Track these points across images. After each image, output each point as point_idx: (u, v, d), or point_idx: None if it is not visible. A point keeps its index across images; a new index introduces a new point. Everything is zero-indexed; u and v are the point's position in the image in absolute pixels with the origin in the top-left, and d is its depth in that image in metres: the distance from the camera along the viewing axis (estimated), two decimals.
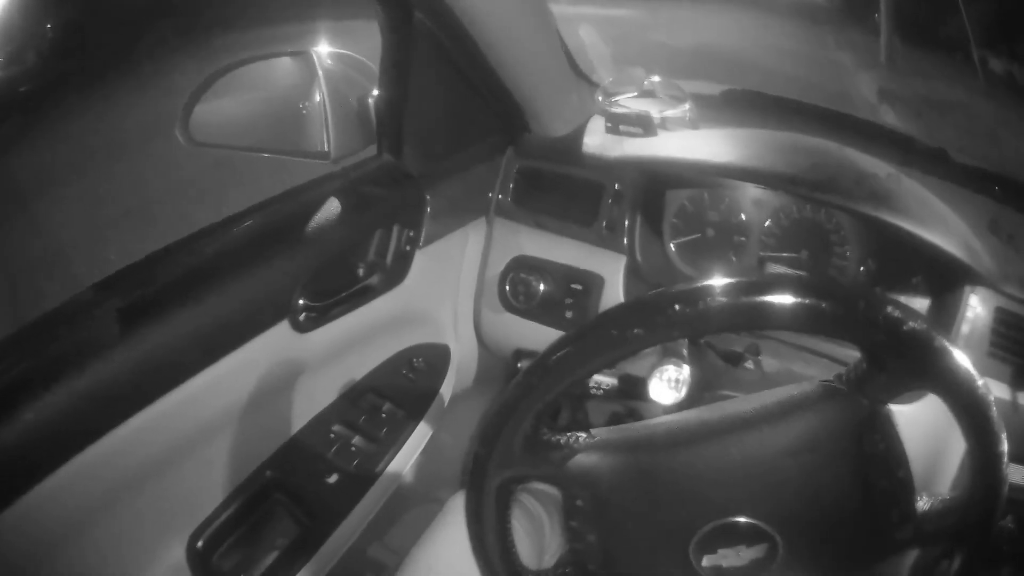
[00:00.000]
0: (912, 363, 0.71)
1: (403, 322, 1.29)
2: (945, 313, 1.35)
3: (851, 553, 0.82)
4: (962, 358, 0.70)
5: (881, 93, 6.26)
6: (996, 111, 6.08)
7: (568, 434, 0.76)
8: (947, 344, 0.69)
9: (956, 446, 1.23)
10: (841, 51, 7.81)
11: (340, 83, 1.09)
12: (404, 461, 1.26)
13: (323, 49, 1.11)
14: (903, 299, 1.40)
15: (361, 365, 1.23)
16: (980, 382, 0.71)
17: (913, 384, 0.73)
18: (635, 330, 0.66)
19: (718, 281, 0.65)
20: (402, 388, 1.28)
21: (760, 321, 0.67)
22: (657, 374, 0.99)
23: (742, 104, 1.69)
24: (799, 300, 0.66)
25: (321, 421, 1.16)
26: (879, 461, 0.77)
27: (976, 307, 1.31)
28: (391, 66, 1.06)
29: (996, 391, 1.24)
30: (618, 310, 0.69)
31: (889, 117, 5.65)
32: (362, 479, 1.18)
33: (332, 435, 1.17)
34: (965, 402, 0.72)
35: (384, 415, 1.22)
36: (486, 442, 0.75)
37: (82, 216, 2.86)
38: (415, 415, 1.28)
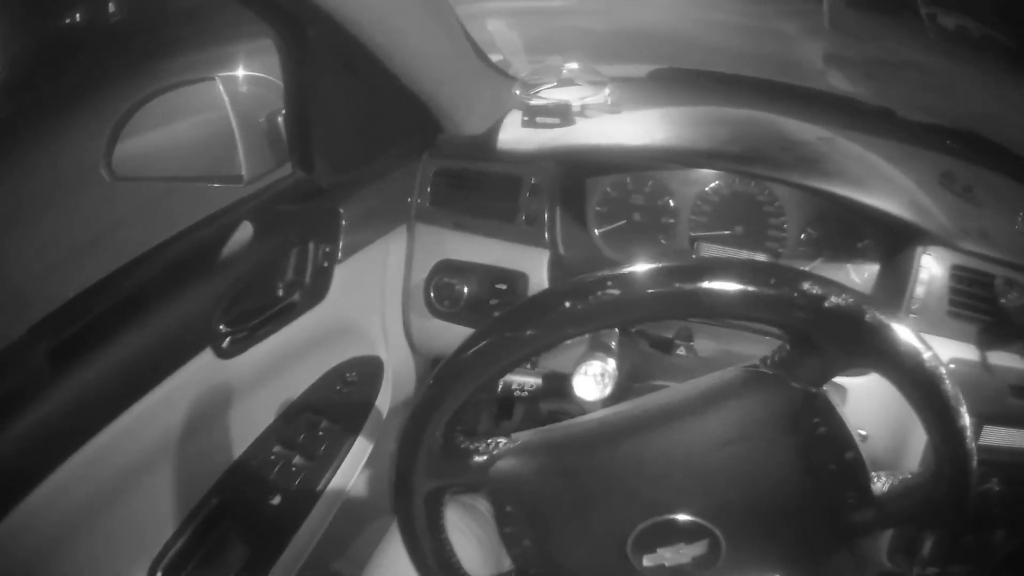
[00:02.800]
0: (842, 341, 0.70)
1: (332, 338, 1.33)
2: (897, 276, 1.36)
3: (807, 542, 0.82)
4: (902, 331, 0.68)
5: (827, 58, 6.40)
6: (949, 66, 6.25)
7: (488, 440, 0.77)
8: (882, 317, 0.67)
9: None
10: (785, 20, 7.97)
11: (249, 105, 1.13)
12: (347, 476, 1.31)
13: (231, 74, 1.15)
14: (851, 266, 1.44)
15: (295, 384, 1.27)
16: (927, 355, 0.69)
17: (848, 364, 0.72)
18: (527, 332, 0.67)
19: (611, 272, 0.65)
20: (338, 404, 1.32)
21: (657, 312, 0.68)
22: (581, 370, 0.99)
23: (670, 83, 1.71)
24: (696, 285, 0.65)
25: (261, 444, 1.20)
26: (822, 445, 0.76)
27: (930, 267, 1.31)
28: (293, 83, 1.10)
29: (962, 352, 1.30)
30: (510, 312, 0.70)
31: (837, 81, 5.78)
32: (306, 497, 1.23)
33: (273, 456, 1.21)
34: (911, 379, 0.70)
35: (322, 432, 1.27)
36: (404, 454, 0.76)
37: (15, 260, 2.87)
38: (353, 430, 1.33)
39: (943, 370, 0.69)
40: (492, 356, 0.70)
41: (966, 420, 0.72)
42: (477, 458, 0.76)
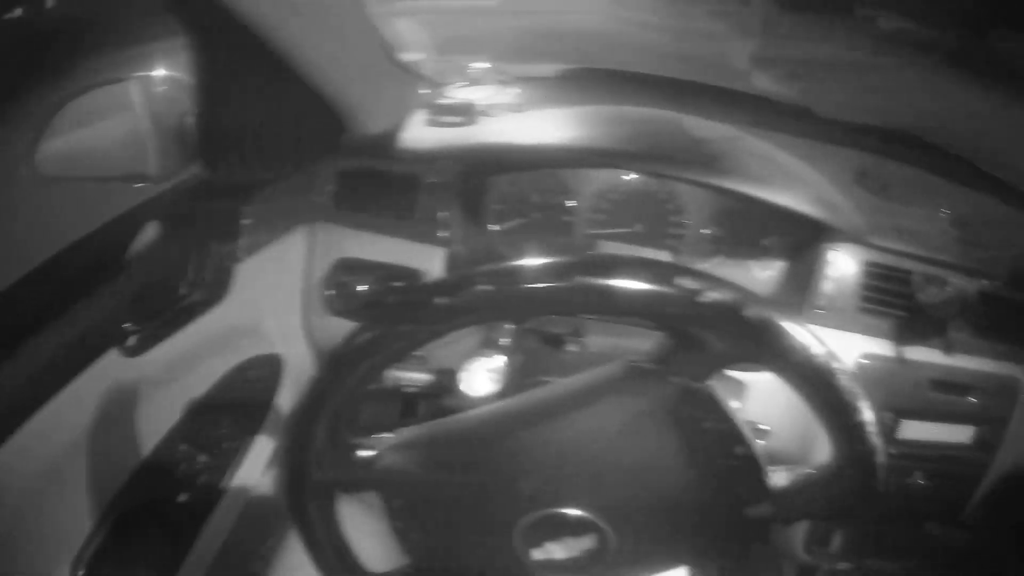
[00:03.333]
0: (721, 337, 0.71)
1: (234, 336, 1.36)
2: (802, 273, 1.41)
3: (702, 536, 0.84)
4: (786, 326, 0.69)
5: (754, 59, 6.46)
6: (886, 66, 6.36)
7: (372, 436, 0.80)
8: (763, 312, 0.69)
9: None
10: (714, 21, 8.03)
11: (162, 106, 1.14)
12: (252, 473, 1.36)
13: (147, 74, 1.16)
14: (754, 263, 1.48)
15: (199, 383, 1.30)
16: (815, 350, 0.70)
17: (730, 359, 0.74)
18: (404, 325, 0.70)
19: (484, 269, 0.68)
20: (240, 402, 1.37)
21: (528, 310, 0.72)
22: (469, 366, 1.02)
23: (581, 82, 1.74)
24: (567, 282, 0.68)
25: (168, 441, 1.23)
26: (709, 439, 0.78)
27: (839, 264, 1.36)
28: (201, 83, 1.11)
29: (877, 347, 1.36)
30: (385, 309, 0.73)
31: (761, 82, 5.85)
32: (211, 494, 1.28)
33: (179, 454, 1.25)
34: (800, 375, 0.72)
35: (225, 431, 1.32)
36: (290, 451, 0.78)
37: None
38: (255, 428, 1.38)
39: (835, 365, 0.71)
40: (369, 351, 0.72)
41: (866, 415, 0.73)
42: (361, 453, 0.79)
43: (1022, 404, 1.44)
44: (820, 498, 0.80)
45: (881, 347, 1.37)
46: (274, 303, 1.46)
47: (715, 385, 0.76)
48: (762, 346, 0.70)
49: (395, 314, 0.71)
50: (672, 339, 0.74)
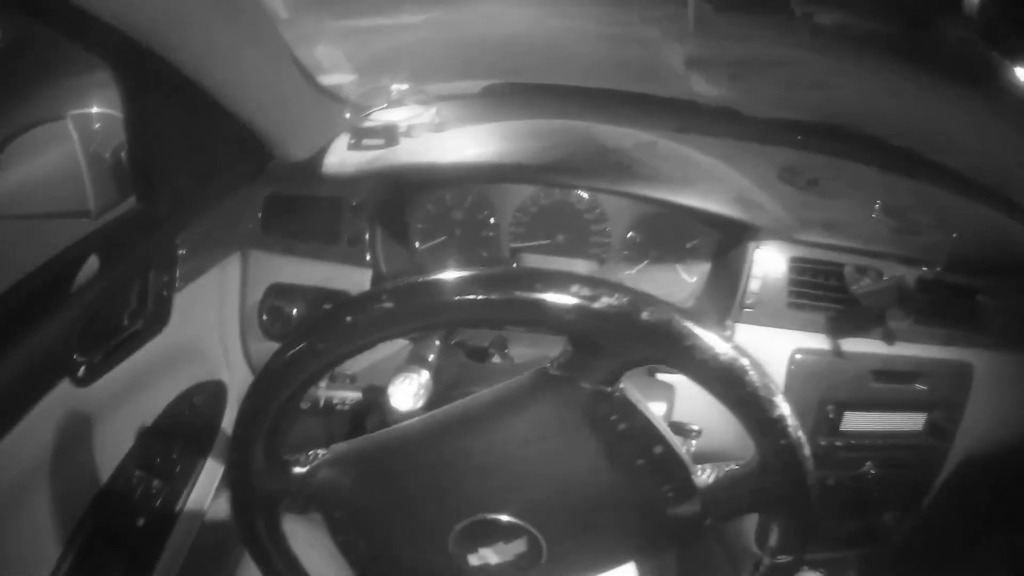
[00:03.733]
0: (621, 341, 0.73)
1: (177, 363, 1.41)
2: (729, 273, 1.46)
3: (633, 537, 0.87)
4: (688, 327, 0.70)
5: (689, 62, 6.54)
6: (824, 62, 6.50)
7: (308, 452, 0.84)
8: (662, 315, 0.70)
9: None
10: (648, 25, 8.10)
11: (96, 141, 1.20)
12: (203, 495, 1.43)
13: (82, 111, 1.21)
14: (680, 266, 1.54)
15: (149, 410, 1.34)
16: (721, 348, 0.71)
17: (635, 362, 0.75)
18: (318, 345, 0.74)
19: (387, 286, 0.72)
20: (188, 427, 1.42)
21: (429, 323, 0.75)
22: (396, 382, 1.05)
23: (502, 98, 1.82)
24: (464, 297, 0.71)
25: (123, 468, 1.27)
26: (625, 441, 0.79)
27: (764, 262, 1.41)
28: (130, 117, 1.16)
29: (811, 342, 1.41)
30: (302, 329, 0.78)
31: (699, 85, 5.94)
32: (167, 517, 1.34)
33: (135, 480, 1.30)
34: (708, 373, 0.73)
35: (175, 456, 1.37)
36: (231, 471, 0.83)
37: None
38: (203, 451, 1.44)
39: (745, 362, 0.72)
40: (293, 370, 0.76)
41: (782, 410, 0.74)
42: (298, 469, 0.83)
43: (978, 388, 1.48)
44: (748, 493, 0.82)
45: (817, 341, 1.41)
46: (214, 329, 1.52)
47: (628, 388, 0.78)
48: (663, 348, 0.72)
49: (313, 333, 0.75)
50: (575, 346, 0.76)
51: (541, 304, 0.70)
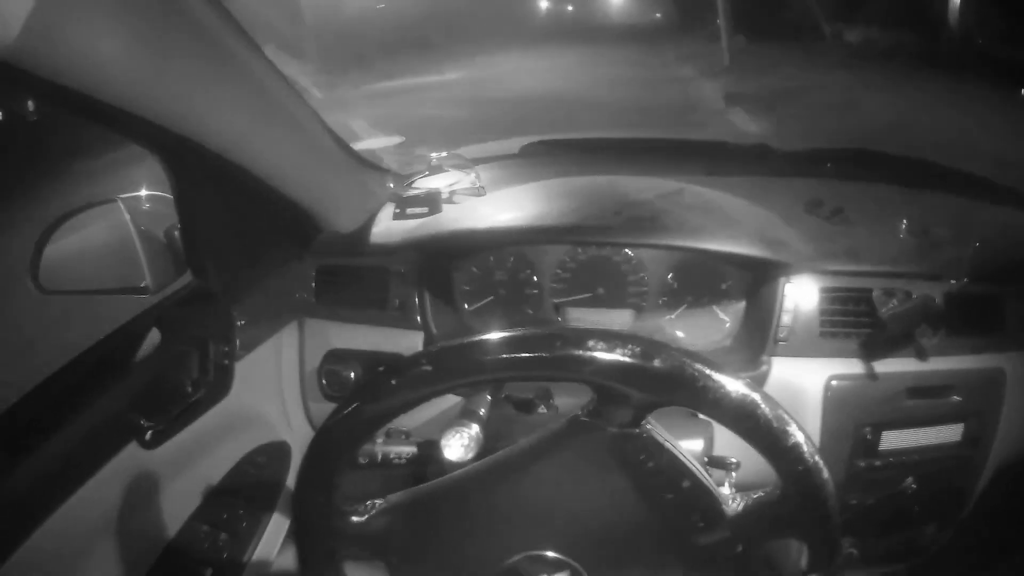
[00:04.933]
0: (639, 387, 0.80)
1: (240, 428, 1.49)
2: (762, 310, 1.49)
3: (665, 566, 0.92)
4: (697, 368, 0.77)
5: (728, 97, 6.63)
6: (852, 79, 6.53)
7: (366, 503, 0.93)
8: (671, 360, 0.77)
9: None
10: (683, 65, 8.26)
11: (149, 222, 1.30)
12: (270, 547, 1.50)
13: (134, 194, 1.31)
14: (716, 307, 1.57)
15: (214, 472, 1.43)
16: (731, 385, 0.77)
17: (655, 404, 0.82)
18: (368, 405, 0.84)
19: (423, 352, 0.82)
20: (253, 485, 1.50)
21: (469, 381, 0.83)
22: (447, 436, 1.10)
23: (538, 156, 1.90)
24: (497, 356, 0.79)
25: (190, 525, 1.36)
26: (654, 478, 0.86)
27: (795, 296, 1.44)
28: (180, 199, 1.25)
29: (845, 368, 1.43)
30: (354, 389, 0.89)
31: (739, 119, 6.02)
32: (233, 570, 1.42)
33: (202, 535, 1.38)
34: (721, 410, 0.79)
35: (242, 512, 1.46)
36: (296, 523, 0.92)
37: None
38: (269, 507, 1.52)
39: (756, 396, 0.78)
40: (346, 428, 0.85)
41: (797, 437, 0.79)
42: (356, 518, 0.92)
43: (1011, 392, 1.50)
44: (774, 519, 0.88)
45: (851, 366, 1.44)
46: (274, 394, 1.60)
47: (653, 428, 0.85)
48: (677, 391, 0.78)
49: (363, 395, 0.84)
50: (598, 394, 0.83)
51: (562, 360, 0.78)
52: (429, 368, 0.81)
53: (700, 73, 7.65)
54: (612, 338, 0.78)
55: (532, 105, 5.65)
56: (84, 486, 1.12)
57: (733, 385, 0.77)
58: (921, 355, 1.43)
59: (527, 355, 0.79)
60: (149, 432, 1.25)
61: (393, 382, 0.82)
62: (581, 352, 0.77)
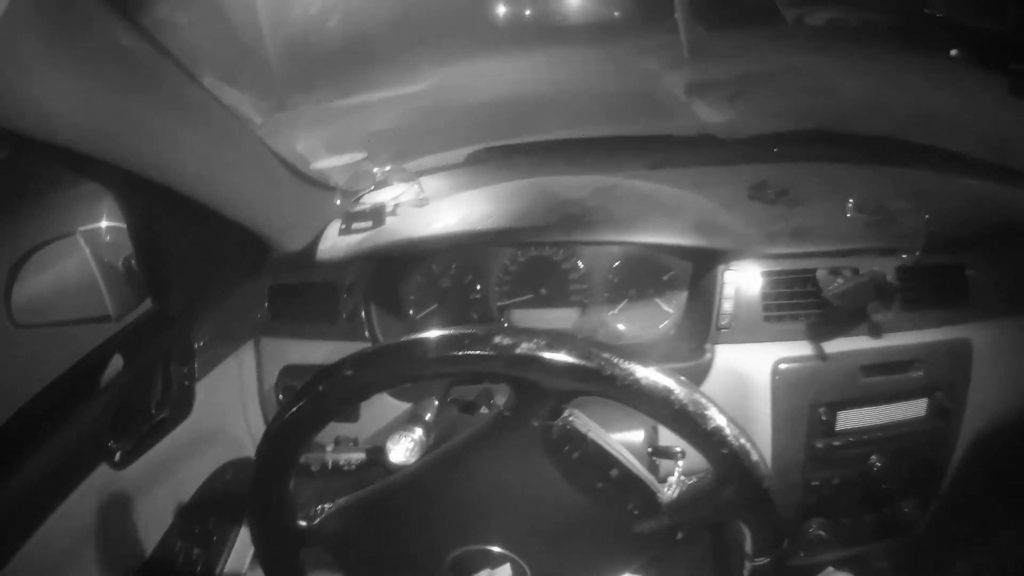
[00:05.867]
0: (551, 379, 0.85)
1: (206, 445, 1.57)
2: (703, 298, 1.54)
3: (606, 554, 0.98)
4: (603, 358, 0.82)
5: (690, 88, 6.71)
6: (821, 62, 6.62)
7: (317, 507, 1.01)
8: (580, 351, 0.82)
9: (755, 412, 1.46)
10: (644, 60, 8.34)
11: (109, 252, 1.36)
12: (241, 559, 1.60)
13: (92, 226, 1.38)
14: (659, 299, 1.63)
15: (184, 488, 1.50)
16: (640, 373, 0.82)
17: (570, 396, 0.88)
18: (301, 413, 0.92)
19: (344, 359, 0.89)
20: (222, 500, 1.58)
21: (393, 381, 0.96)
22: (391, 441, 1.16)
23: (484, 163, 1.97)
24: (418, 357, 0.87)
25: (165, 540, 1.43)
26: (581, 468, 0.92)
27: (735, 282, 1.48)
28: (133, 229, 1.29)
29: (793, 351, 1.46)
30: (289, 399, 0.94)
31: (702, 110, 6.11)
32: None
33: (176, 549, 1.46)
34: (636, 398, 0.83)
35: (212, 526, 1.54)
36: (251, 527, 1.01)
37: None
38: (238, 520, 1.60)
39: (668, 382, 0.83)
40: (282, 439, 0.94)
41: (717, 421, 0.84)
42: (307, 523, 1.00)
43: (980, 362, 1.52)
44: (710, 504, 0.92)
45: (800, 348, 1.46)
46: (237, 411, 1.68)
47: (576, 419, 0.92)
48: (588, 381, 0.84)
49: (295, 405, 0.92)
50: (515, 389, 0.89)
51: (472, 358, 0.85)
52: (350, 373, 0.88)
53: (661, 67, 7.67)
54: (519, 334, 0.84)
55: (493, 111, 5.67)
56: (60, 507, 1.18)
57: (643, 372, 0.83)
58: (875, 332, 1.46)
59: (440, 355, 0.86)
60: (118, 453, 1.32)
61: (320, 388, 0.90)
62: (488, 350, 0.84)
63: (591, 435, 0.93)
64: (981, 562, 1.80)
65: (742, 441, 0.86)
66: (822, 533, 1.53)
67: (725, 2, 8.60)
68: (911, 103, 4.58)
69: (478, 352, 0.84)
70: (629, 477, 0.93)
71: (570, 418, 0.92)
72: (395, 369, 0.90)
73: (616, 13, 9.88)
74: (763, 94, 6.00)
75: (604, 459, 0.93)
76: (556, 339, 0.84)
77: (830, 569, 1.67)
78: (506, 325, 1.61)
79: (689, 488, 0.94)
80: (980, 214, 1.63)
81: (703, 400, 0.85)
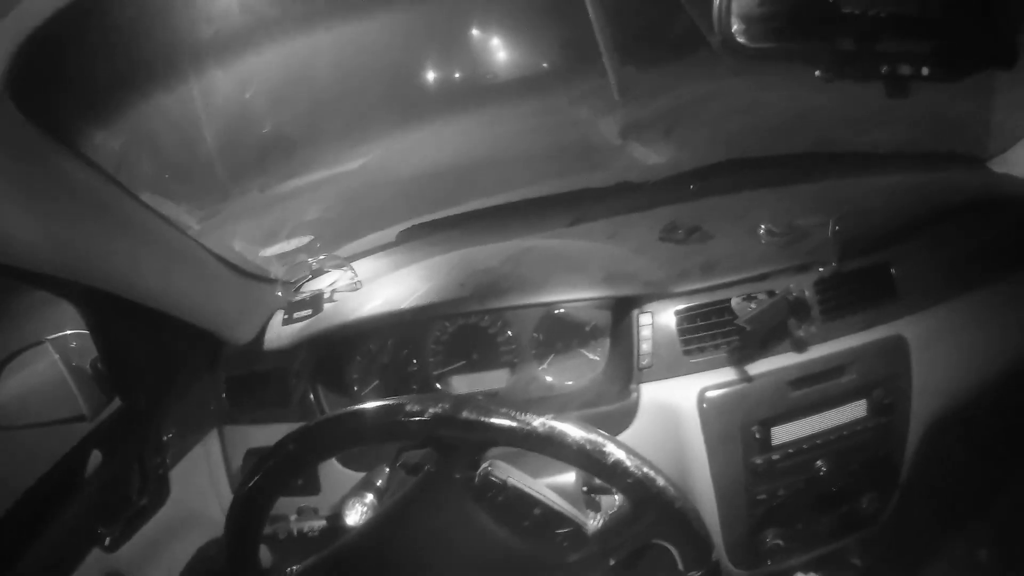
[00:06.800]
0: (461, 437, 0.98)
1: (187, 527, 1.67)
2: (623, 343, 1.62)
3: None
4: (497, 413, 0.94)
5: (624, 130, 6.87)
6: (744, 85, 6.82)
7: (287, 570, 1.11)
8: (478, 410, 0.93)
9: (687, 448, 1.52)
10: (577, 108, 8.52)
11: (77, 357, 1.51)
12: None
13: (59, 335, 1.51)
14: (585, 349, 1.76)
15: (172, 567, 1.60)
16: (535, 423, 0.93)
17: (481, 449, 1.02)
18: (255, 488, 1.05)
19: (289, 436, 1.03)
20: (208, 574, 1.68)
21: (329, 451, 1.08)
22: (346, 506, 1.26)
23: (416, 238, 2.09)
24: (349, 428, 1.00)
25: None
26: (507, 510, 1.03)
27: (649, 324, 1.56)
28: (95, 334, 1.44)
29: (718, 377, 1.52)
30: (245, 477, 1.07)
31: (638, 151, 6.27)
32: None
33: None
34: (538, 444, 0.94)
35: None
36: None
37: None
38: None
39: (562, 427, 0.94)
40: (242, 512, 1.07)
41: (616, 455, 0.95)
42: None
43: (918, 353, 1.57)
44: (632, 529, 1.01)
45: (725, 375, 1.52)
46: (210, 494, 1.78)
47: (494, 468, 1.04)
48: (492, 434, 0.96)
49: (250, 481, 1.05)
50: (435, 448, 1.03)
51: (393, 425, 0.98)
52: (292, 447, 1.02)
53: (594, 113, 7.85)
54: (427, 400, 0.97)
55: (424, 184, 5.67)
56: None
57: (538, 421, 0.94)
58: (799, 347, 1.52)
59: (364, 425, 0.99)
60: (108, 538, 1.43)
61: (270, 463, 1.03)
62: (403, 417, 0.97)
63: (511, 480, 1.05)
64: (961, 540, 1.94)
65: (644, 470, 0.96)
66: (779, 542, 1.58)
67: (651, 37, 8.72)
68: (830, 107, 4.75)
69: (397, 419, 0.98)
70: (551, 513, 1.05)
71: (489, 467, 1.05)
72: (329, 440, 1.04)
73: (544, 64, 10.05)
74: (699, 124, 6.22)
75: (525, 500, 1.05)
76: (459, 401, 0.97)
77: (799, 575, 1.76)
78: (434, 392, 1.72)
79: (611, 517, 1.06)
80: (898, 208, 1.71)
81: (599, 439, 0.96)
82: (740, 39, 1.05)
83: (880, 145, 2.11)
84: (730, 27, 1.06)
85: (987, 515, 2.01)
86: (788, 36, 1.05)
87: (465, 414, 0.95)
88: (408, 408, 0.97)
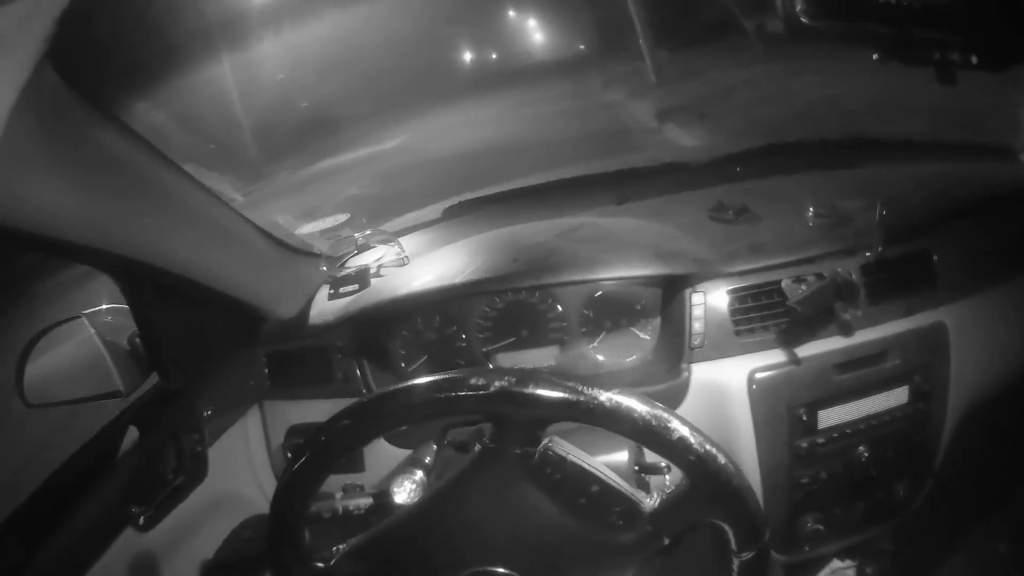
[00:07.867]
0: (523, 411, 0.96)
1: (223, 506, 1.67)
2: (674, 322, 1.61)
3: (597, 563, 1.06)
4: (565, 387, 0.93)
5: (660, 114, 6.79)
6: (774, 70, 6.70)
7: (332, 548, 1.10)
8: (544, 383, 0.93)
9: (737, 423, 1.52)
10: (612, 90, 8.47)
11: (113, 332, 1.47)
12: None
13: (97, 308, 1.47)
14: (635, 328, 1.72)
15: (206, 547, 1.60)
16: (602, 396, 0.93)
17: (543, 424, 0.99)
18: (308, 462, 1.02)
19: (341, 412, 1.01)
20: (243, 557, 1.66)
21: (385, 428, 1.06)
22: (395, 484, 1.25)
23: (462, 214, 2.06)
24: (405, 404, 0.98)
25: None
26: (563, 488, 1.02)
27: (701, 304, 1.55)
28: (136, 309, 1.40)
29: (767, 360, 1.52)
30: (296, 453, 1.04)
31: (674, 133, 6.20)
32: None
33: None
34: (603, 420, 0.94)
35: None
36: (271, 570, 1.11)
37: None
38: (260, 573, 1.64)
39: (629, 401, 0.93)
40: (293, 487, 1.04)
41: (681, 431, 0.94)
42: (323, 564, 1.09)
43: (958, 341, 1.57)
44: (689, 508, 1.01)
45: (774, 357, 1.52)
46: (248, 472, 1.77)
47: (554, 444, 1.02)
48: (558, 408, 0.94)
49: (302, 456, 1.02)
50: (495, 423, 1.00)
51: (453, 399, 0.96)
52: (347, 423, 1.00)
53: (630, 95, 7.83)
54: (491, 374, 0.96)
55: (466, 163, 5.74)
56: (92, 567, 1.28)
57: (605, 396, 0.93)
58: (845, 331, 1.52)
59: (423, 399, 0.97)
60: (141, 518, 1.40)
61: (323, 439, 1.01)
62: (465, 391, 0.95)
63: (570, 457, 1.02)
64: (984, 532, 1.91)
65: (707, 447, 0.95)
66: (820, 527, 1.58)
67: (686, 22, 8.66)
68: (865, 95, 4.64)
69: (457, 393, 0.95)
70: (609, 491, 1.02)
71: (549, 444, 1.01)
72: (385, 416, 1.01)
73: (581, 46, 9.95)
74: (733, 109, 6.17)
75: (584, 478, 1.02)
76: (524, 375, 0.95)
77: (835, 561, 1.78)
78: (490, 367, 1.69)
79: (668, 496, 1.02)
80: (939, 196, 1.70)
81: (665, 414, 0.95)
82: (803, 19, 1.04)
83: (913, 134, 2.01)
84: (794, 5, 1.04)
85: (1008, 508, 2.00)
86: (850, 16, 1.05)
87: (531, 387, 0.93)
88: (472, 381, 0.95)
